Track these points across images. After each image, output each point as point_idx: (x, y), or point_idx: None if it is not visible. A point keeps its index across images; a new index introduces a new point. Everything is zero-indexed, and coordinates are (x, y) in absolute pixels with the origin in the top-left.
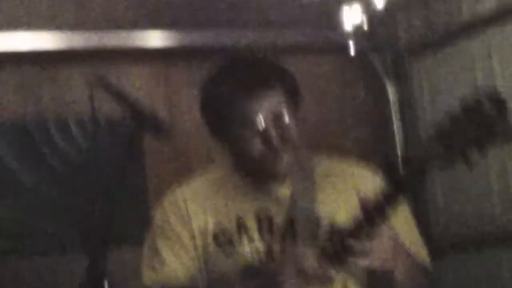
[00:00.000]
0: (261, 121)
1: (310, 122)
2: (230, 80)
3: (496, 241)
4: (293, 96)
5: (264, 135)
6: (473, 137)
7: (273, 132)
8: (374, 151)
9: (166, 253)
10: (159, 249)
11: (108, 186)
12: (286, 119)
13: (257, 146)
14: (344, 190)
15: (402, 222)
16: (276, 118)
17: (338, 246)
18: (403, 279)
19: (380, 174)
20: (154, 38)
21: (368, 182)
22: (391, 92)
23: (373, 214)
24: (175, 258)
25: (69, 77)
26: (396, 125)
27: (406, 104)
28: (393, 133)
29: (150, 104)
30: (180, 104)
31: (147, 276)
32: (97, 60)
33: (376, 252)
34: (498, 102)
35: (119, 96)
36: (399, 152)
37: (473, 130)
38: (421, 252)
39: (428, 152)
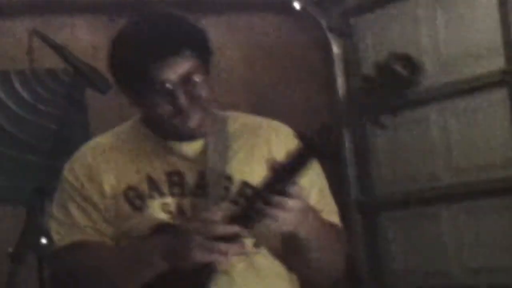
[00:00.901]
0: (168, 83)
1: (253, 78)
2: (138, 40)
3: (437, 198)
4: (203, 55)
5: (172, 97)
6: (385, 98)
7: (181, 94)
8: (318, 106)
9: (74, 210)
10: (68, 206)
11: (49, 139)
12: (196, 79)
13: (164, 107)
14: (257, 148)
15: (312, 182)
16: (185, 79)
17: (248, 207)
18: (314, 240)
19: (293, 134)
20: None
21: (282, 142)
22: (335, 48)
23: (282, 175)
24: (84, 214)
25: (9, 29)
26: (340, 82)
27: (351, 61)
28: (337, 88)
29: (93, 57)
30: None
31: (54, 229)
32: (38, 12)
33: (286, 215)
34: (413, 66)
35: (58, 50)
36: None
37: (384, 92)
38: (332, 212)
39: (343, 114)
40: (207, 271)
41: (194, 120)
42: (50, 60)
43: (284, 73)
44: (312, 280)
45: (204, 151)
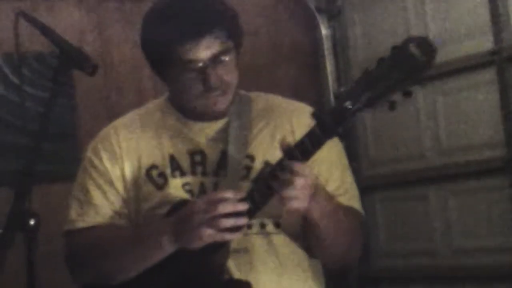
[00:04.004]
0: (199, 62)
1: (241, 58)
2: (170, 18)
3: (424, 179)
4: (235, 36)
5: (202, 76)
6: (398, 82)
7: (211, 73)
8: (306, 89)
9: (94, 191)
10: (88, 186)
11: (36, 121)
12: (226, 60)
13: (194, 86)
14: (280, 129)
15: (332, 166)
16: (216, 59)
17: (259, 185)
18: (326, 224)
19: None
20: None
21: (304, 121)
22: (323, 29)
23: (294, 155)
24: (103, 196)
25: None
26: (329, 63)
27: (339, 41)
28: (325, 71)
29: (82, 39)
30: (113, 39)
31: (73, 209)
32: None
33: (293, 192)
34: (429, 49)
35: (44, 31)
36: (331, 89)
37: (398, 75)
38: (352, 197)
39: (353, 95)
40: (222, 249)
41: (222, 104)
42: (37, 43)
43: (272, 54)
44: (326, 263)
45: (226, 131)
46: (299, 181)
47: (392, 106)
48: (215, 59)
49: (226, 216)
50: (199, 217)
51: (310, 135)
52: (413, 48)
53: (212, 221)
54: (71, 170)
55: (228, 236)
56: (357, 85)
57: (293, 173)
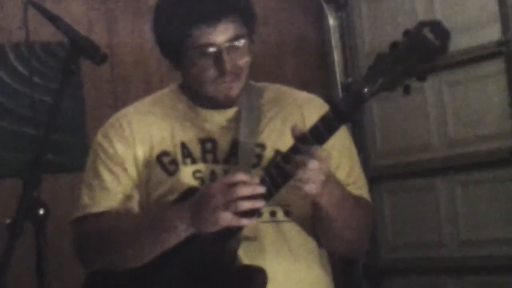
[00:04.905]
0: (214, 46)
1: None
2: (186, 2)
3: (432, 170)
4: (249, 22)
5: (217, 62)
6: (413, 66)
7: (226, 57)
8: (314, 78)
9: (105, 174)
10: (99, 170)
11: (44, 112)
12: (240, 45)
13: (209, 72)
14: (291, 118)
15: (342, 155)
16: (230, 43)
17: (272, 171)
18: (335, 211)
19: (325, 104)
20: None
21: (314, 110)
22: (331, 20)
23: (308, 140)
24: (114, 179)
25: (4, 1)
26: (336, 54)
27: (346, 32)
28: (332, 61)
29: (89, 30)
30: (120, 31)
31: (85, 194)
32: None
33: (307, 175)
34: (443, 33)
35: (53, 20)
36: (338, 80)
37: (414, 59)
38: (361, 186)
39: (368, 80)
40: (234, 237)
41: (235, 89)
42: (44, 33)
43: (279, 44)
44: (334, 252)
45: (237, 119)
46: (313, 164)
47: (406, 90)
48: (229, 44)
49: (243, 199)
50: (216, 200)
51: (323, 120)
52: (427, 32)
53: (229, 204)
54: (78, 161)
55: (244, 221)
56: (371, 70)
57: (307, 155)
